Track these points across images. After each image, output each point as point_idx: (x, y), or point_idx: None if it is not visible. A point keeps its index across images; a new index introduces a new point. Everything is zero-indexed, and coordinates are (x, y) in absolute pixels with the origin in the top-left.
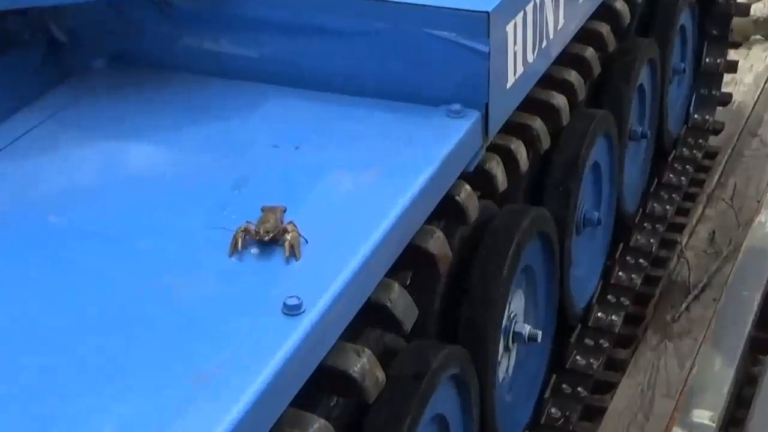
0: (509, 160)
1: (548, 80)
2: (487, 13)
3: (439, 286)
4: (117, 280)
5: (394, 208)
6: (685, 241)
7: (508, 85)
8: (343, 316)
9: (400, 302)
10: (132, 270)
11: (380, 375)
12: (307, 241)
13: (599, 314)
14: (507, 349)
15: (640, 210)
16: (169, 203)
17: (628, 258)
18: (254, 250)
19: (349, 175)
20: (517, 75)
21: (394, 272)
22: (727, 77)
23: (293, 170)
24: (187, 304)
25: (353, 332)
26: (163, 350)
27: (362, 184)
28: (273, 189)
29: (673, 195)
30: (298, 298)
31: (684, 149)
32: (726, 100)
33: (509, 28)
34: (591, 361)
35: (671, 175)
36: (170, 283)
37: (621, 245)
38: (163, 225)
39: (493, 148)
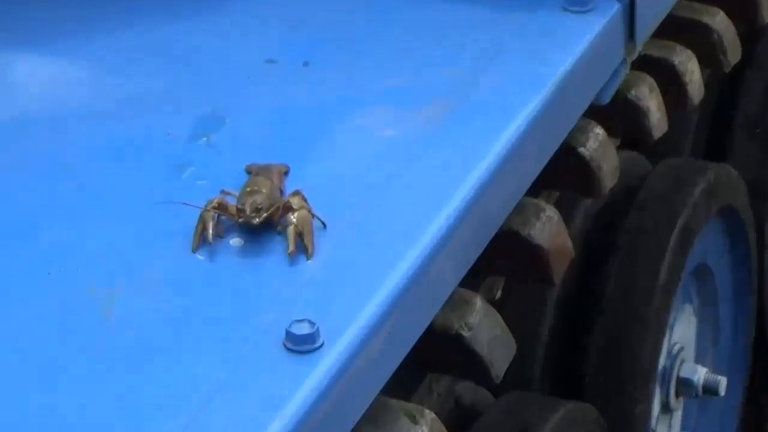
0: (672, 83)
1: None
2: None
3: (551, 300)
4: (10, 297)
5: (472, 170)
6: None
7: None
8: (387, 354)
9: (485, 329)
10: (34, 279)
11: None
12: (325, 226)
13: None
14: (667, 407)
15: None
16: (94, 163)
17: None
18: (235, 241)
19: (393, 113)
20: None
21: (474, 279)
22: None
23: (299, 103)
24: (122, 331)
25: (406, 381)
26: (83, 402)
27: (416, 128)
28: (265, 136)
29: None
30: (311, 324)
31: None
32: None
33: None
34: None
35: None
36: (96, 296)
37: None
38: (84, 201)
39: (642, 64)
